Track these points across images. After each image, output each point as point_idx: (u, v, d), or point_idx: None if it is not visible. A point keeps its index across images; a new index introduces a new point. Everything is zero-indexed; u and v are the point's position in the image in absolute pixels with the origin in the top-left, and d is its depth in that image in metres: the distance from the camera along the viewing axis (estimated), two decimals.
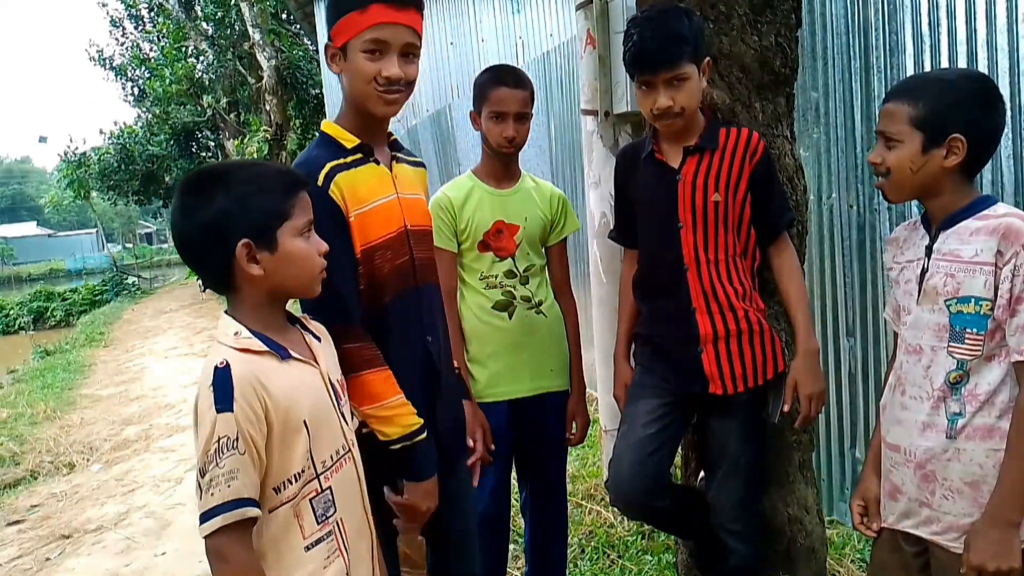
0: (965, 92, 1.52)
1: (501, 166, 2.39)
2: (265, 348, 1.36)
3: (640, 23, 1.91)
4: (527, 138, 2.38)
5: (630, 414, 2.07)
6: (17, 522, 4.49)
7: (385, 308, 1.72)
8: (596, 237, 2.99)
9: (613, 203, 2.30)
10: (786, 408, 1.97)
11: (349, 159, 1.69)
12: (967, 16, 2.40)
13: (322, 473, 1.41)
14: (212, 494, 1.25)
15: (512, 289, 2.36)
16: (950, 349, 1.53)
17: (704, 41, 1.93)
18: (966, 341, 1.50)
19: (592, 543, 3.18)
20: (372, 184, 1.71)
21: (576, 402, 2.49)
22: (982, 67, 2.36)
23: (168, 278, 28.09)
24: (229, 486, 1.25)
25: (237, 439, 1.26)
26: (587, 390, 2.59)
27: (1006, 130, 2.29)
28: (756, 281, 2.05)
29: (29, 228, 57.22)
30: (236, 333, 1.36)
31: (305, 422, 1.37)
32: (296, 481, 1.36)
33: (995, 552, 1.45)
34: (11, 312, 20.03)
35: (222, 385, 1.28)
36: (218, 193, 1.35)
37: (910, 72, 2.64)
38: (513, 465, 2.52)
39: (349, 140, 1.71)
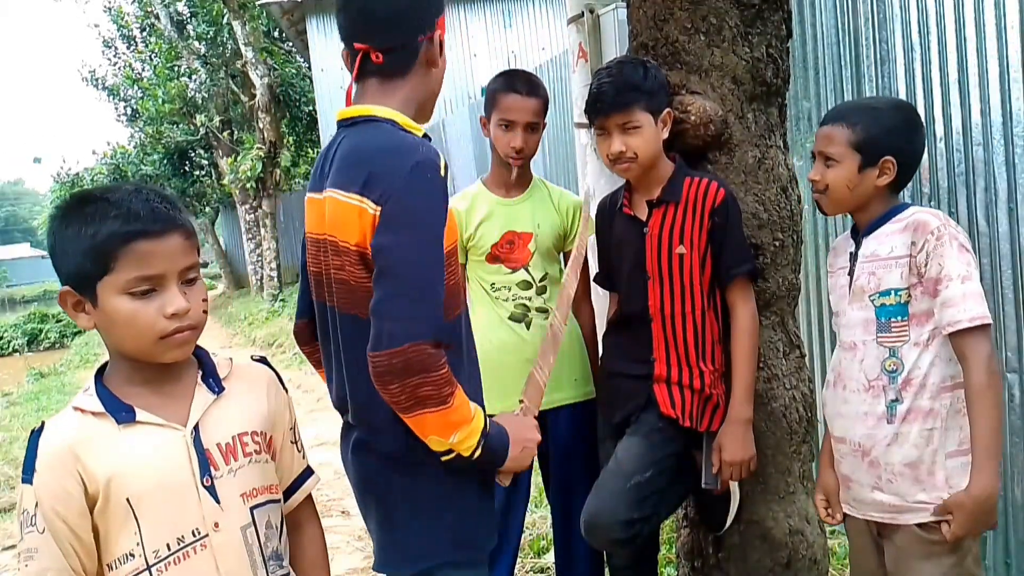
0: (897, 119, 1.72)
1: (510, 174, 2.31)
2: (101, 410, 1.19)
3: (600, 73, 2.00)
4: (537, 148, 2.31)
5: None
6: (13, 547, 4.44)
7: (457, 321, 1.54)
8: (590, 249, 2.99)
9: (596, 247, 2.30)
10: (714, 470, 1.98)
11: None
12: (956, 24, 2.42)
13: (154, 565, 1.18)
14: (19, 568, 1.15)
15: (526, 301, 2.28)
16: (879, 339, 1.69)
17: (664, 93, 1.98)
18: (892, 330, 1.67)
19: None
20: None
21: None
22: (972, 74, 2.38)
23: None
24: (27, 566, 1.13)
25: (35, 515, 1.13)
26: None
27: (999, 137, 2.31)
28: (721, 332, 2.02)
29: (23, 250, 57.05)
30: (85, 389, 1.23)
31: (128, 500, 1.17)
32: (124, 563, 1.18)
33: (975, 523, 1.58)
34: (5, 334, 19.94)
35: (29, 453, 1.17)
36: (56, 227, 1.20)
37: (901, 80, 2.66)
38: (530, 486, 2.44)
39: (419, 129, 1.52)
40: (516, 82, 2.26)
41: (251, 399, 1.34)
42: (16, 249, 56.66)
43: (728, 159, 2.10)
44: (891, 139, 1.69)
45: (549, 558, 3.11)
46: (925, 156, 2.54)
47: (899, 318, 1.66)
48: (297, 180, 17.61)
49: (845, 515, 1.86)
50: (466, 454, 1.41)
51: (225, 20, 14.37)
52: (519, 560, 3.13)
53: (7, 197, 78.24)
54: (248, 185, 14.35)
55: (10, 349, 19.00)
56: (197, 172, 20.59)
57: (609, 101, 1.93)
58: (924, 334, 1.64)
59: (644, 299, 2.00)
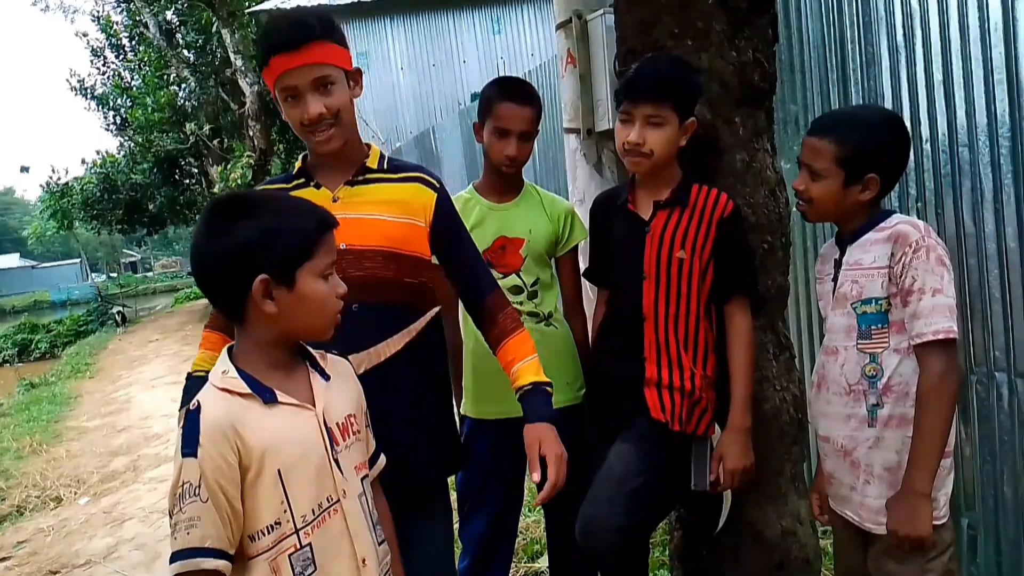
0: (884, 136, 1.74)
1: (502, 180, 2.33)
2: (248, 391, 1.31)
3: (648, 58, 1.99)
4: (530, 155, 2.33)
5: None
6: (3, 559, 4.41)
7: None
8: (582, 254, 2.99)
9: (589, 243, 2.30)
10: (711, 477, 1.99)
11: (291, 184, 1.76)
12: (941, 27, 2.43)
13: (302, 528, 1.33)
14: (175, 538, 1.24)
15: (518, 306, 2.26)
16: (859, 346, 1.73)
17: (695, 103, 1.97)
18: (873, 337, 1.71)
19: None
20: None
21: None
22: (957, 77, 2.40)
23: (154, 307, 27.89)
24: (188, 533, 1.23)
25: (200, 486, 1.22)
26: None
27: (984, 138, 2.33)
28: (714, 340, 2.03)
29: (12, 260, 56.77)
30: (224, 371, 1.33)
31: (280, 472, 1.30)
32: (269, 533, 1.30)
33: (905, 519, 1.63)
34: None
35: (190, 428, 1.25)
36: (246, 222, 1.31)
37: (887, 83, 2.67)
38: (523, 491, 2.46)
39: (297, 167, 1.80)
40: (512, 90, 2.26)
41: (347, 386, 1.51)
42: (5, 259, 56.35)
43: (716, 163, 2.11)
44: (876, 157, 1.72)
45: (543, 562, 3.11)
46: (912, 157, 2.57)
47: (879, 326, 1.70)
48: None
49: (831, 511, 1.89)
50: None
51: (214, 28, 14.32)
52: (513, 564, 3.13)
53: None
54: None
55: (0, 360, 18.87)
56: (187, 180, 20.50)
57: (645, 88, 1.91)
58: (904, 341, 1.67)
59: (638, 299, 2.00)
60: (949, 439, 1.66)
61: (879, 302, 1.69)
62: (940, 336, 1.60)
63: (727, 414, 2.00)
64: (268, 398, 1.32)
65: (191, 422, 1.25)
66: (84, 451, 6.78)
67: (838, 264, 1.80)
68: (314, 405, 1.39)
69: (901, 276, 1.64)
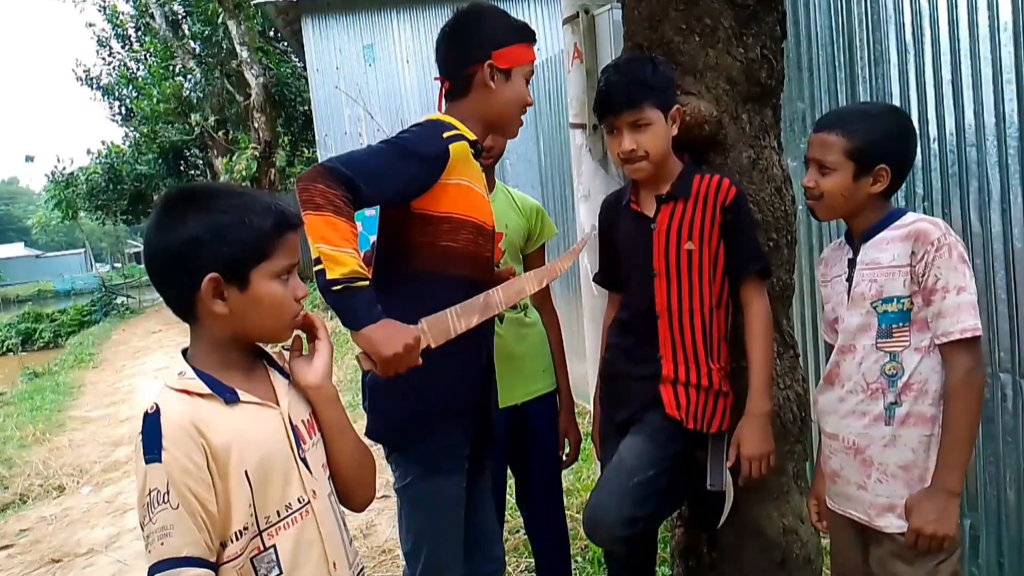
0: (890, 127, 1.74)
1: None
2: (208, 391, 1.25)
3: (608, 70, 2.01)
4: (505, 148, 2.39)
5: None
6: (6, 547, 4.43)
7: (457, 281, 1.81)
8: (587, 250, 2.99)
9: (597, 247, 2.30)
10: (729, 464, 1.97)
11: (459, 142, 1.81)
12: (950, 26, 2.42)
13: (265, 530, 1.26)
14: (150, 551, 1.16)
15: None
16: (879, 344, 1.71)
17: (673, 89, 1.98)
18: (893, 336, 1.69)
19: (587, 555, 3.17)
20: (479, 174, 1.89)
21: (566, 419, 2.48)
22: (965, 76, 2.38)
23: (157, 298, 27.90)
24: (163, 544, 1.15)
25: (168, 492, 1.16)
26: (579, 402, 2.59)
27: (991, 137, 2.32)
28: (729, 330, 2.03)
29: (17, 249, 56.84)
30: (181, 373, 1.28)
31: (247, 473, 1.24)
32: (240, 538, 1.23)
33: (934, 518, 1.62)
34: None
35: (150, 433, 1.18)
36: (196, 217, 1.25)
37: (895, 81, 2.66)
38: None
39: (471, 134, 1.85)
40: None
41: (298, 388, 1.45)
42: (10, 248, 56.44)
43: (723, 160, 2.10)
44: (885, 147, 1.71)
45: None
46: (919, 157, 2.56)
47: (901, 324, 1.68)
48: (292, 179, 17.58)
49: (830, 512, 1.88)
50: (328, 275, 1.55)
51: (220, 20, 14.33)
52: (515, 559, 3.14)
53: (1, 196, 77.86)
54: (243, 185, 14.32)
55: (4, 348, 18.90)
56: (192, 172, 20.56)
57: (619, 99, 1.91)
58: (925, 340, 1.65)
59: (650, 297, 1.99)
60: None
61: (901, 301, 1.67)
62: (967, 335, 1.59)
63: (741, 409, 1.98)
64: (230, 398, 1.27)
65: (151, 426, 1.19)
66: (87, 441, 6.80)
67: (852, 263, 1.78)
68: (277, 403, 1.34)
69: (924, 275, 1.63)
